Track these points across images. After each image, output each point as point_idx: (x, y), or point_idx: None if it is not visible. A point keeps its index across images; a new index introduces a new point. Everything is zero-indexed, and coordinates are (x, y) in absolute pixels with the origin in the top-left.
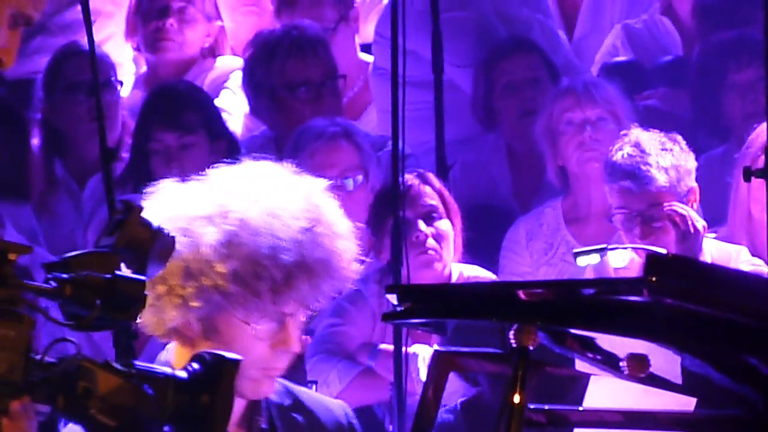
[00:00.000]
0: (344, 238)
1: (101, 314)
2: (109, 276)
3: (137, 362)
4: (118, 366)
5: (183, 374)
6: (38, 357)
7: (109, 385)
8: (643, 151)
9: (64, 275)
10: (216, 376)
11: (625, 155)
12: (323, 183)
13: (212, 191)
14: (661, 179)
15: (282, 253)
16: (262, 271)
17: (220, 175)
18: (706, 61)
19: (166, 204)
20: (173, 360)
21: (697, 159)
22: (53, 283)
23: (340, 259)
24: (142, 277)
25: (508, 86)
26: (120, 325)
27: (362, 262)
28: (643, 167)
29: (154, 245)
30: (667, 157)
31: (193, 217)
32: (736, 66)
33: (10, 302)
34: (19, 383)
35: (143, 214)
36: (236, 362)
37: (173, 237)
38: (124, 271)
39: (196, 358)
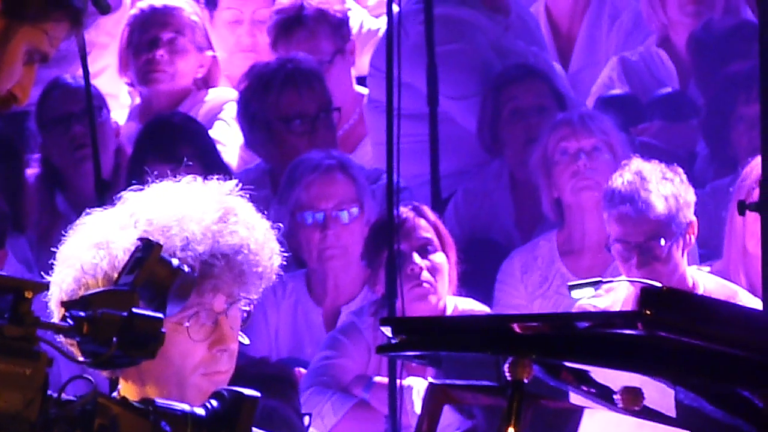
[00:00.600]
0: (260, 230)
1: (118, 352)
2: (125, 314)
3: (157, 400)
4: (135, 403)
5: (201, 411)
6: (55, 394)
7: (126, 422)
8: (643, 179)
9: (82, 313)
10: (234, 413)
11: (625, 182)
12: (233, 184)
13: (125, 206)
14: (660, 207)
15: (195, 244)
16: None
17: (135, 194)
18: (715, 93)
19: (87, 229)
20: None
21: (700, 190)
22: (70, 321)
23: (257, 248)
24: (159, 315)
25: (514, 112)
26: (137, 362)
27: (285, 257)
28: (643, 193)
29: (173, 283)
30: (667, 186)
31: (106, 231)
32: (745, 98)
33: (26, 340)
34: (36, 421)
35: (162, 253)
36: (255, 399)
37: (193, 274)
38: (143, 309)
39: (214, 395)
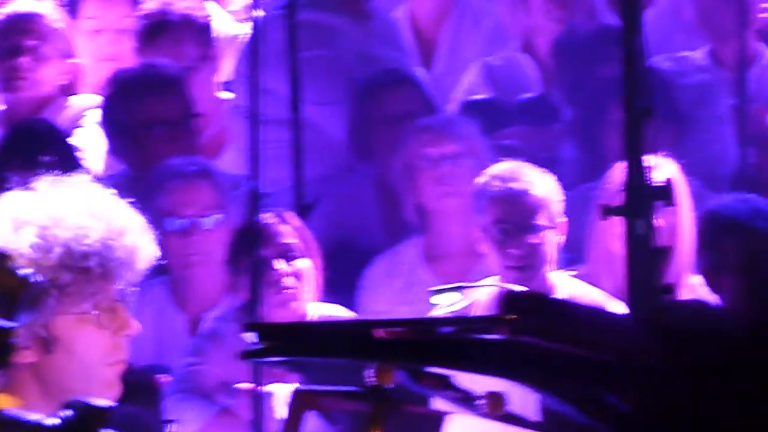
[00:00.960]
0: (139, 220)
1: None
2: None
3: (6, 410)
4: None
5: (53, 421)
6: None
7: None
8: (520, 167)
9: None
10: (89, 421)
11: (503, 169)
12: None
13: (7, 210)
14: (540, 187)
15: (86, 236)
16: (83, 250)
17: (14, 197)
18: (584, 97)
19: None
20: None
21: (567, 194)
22: None
23: (140, 237)
24: (12, 324)
25: (382, 118)
26: None
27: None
28: (523, 176)
29: (22, 292)
30: (544, 177)
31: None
32: (614, 103)
33: None
34: None
35: (11, 262)
36: (110, 408)
37: (43, 283)
38: None
39: (68, 404)
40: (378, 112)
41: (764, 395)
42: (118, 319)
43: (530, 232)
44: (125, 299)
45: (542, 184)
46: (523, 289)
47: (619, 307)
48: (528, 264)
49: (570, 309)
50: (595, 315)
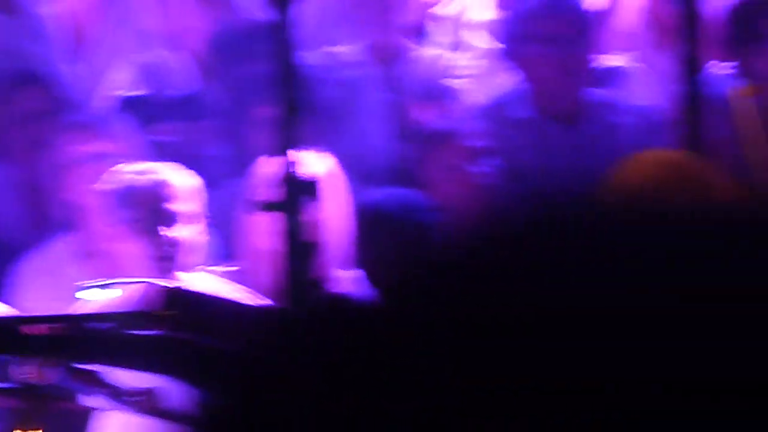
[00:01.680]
0: None
1: None
2: None
3: None
4: None
5: None
6: None
7: None
8: (159, 164)
9: None
10: None
11: (142, 164)
12: None
13: None
14: (182, 182)
15: None
16: None
17: None
18: (233, 94)
19: None
20: None
21: (215, 191)
22: None
23: None
24: None
25: (16, 118)
26: None
27: None
28: (161, 168)
29: None
30: (185, 172)
31: None
32: (262, 99)
33: None
34: None
35: None
36: None
37: None
38: None
39: None
40: (10, 110)
41: (398, 392)
42: None
43: (170, 224)
44: None
45: (182, 179)
46: (173, 284)
47: (268, 303)
48: (170, 256)
49: (219, 305)
50: (242, 311)
